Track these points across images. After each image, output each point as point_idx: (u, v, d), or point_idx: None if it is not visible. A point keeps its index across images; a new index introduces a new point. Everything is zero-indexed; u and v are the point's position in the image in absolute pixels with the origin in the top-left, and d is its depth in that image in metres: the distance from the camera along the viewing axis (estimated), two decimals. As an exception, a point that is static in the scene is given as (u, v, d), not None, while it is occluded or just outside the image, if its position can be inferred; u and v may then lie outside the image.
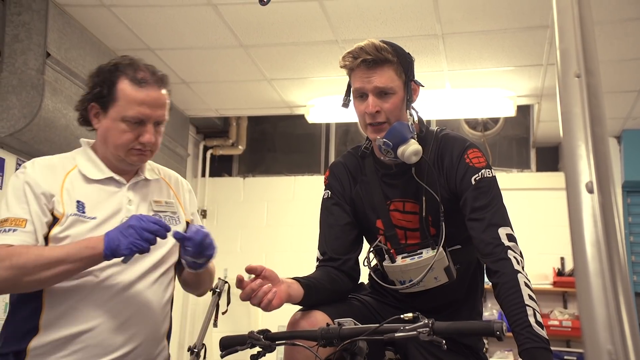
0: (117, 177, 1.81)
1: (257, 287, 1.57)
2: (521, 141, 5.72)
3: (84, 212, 1.71)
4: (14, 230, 1.64)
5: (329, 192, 1.96)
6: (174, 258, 1.85)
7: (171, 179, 1.99)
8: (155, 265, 1.78)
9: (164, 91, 1.80)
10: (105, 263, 1.65)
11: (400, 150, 1.77)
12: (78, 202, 1.72)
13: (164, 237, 1.62)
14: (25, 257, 1.59)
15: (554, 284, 5.03)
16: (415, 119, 1.86)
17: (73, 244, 1.64)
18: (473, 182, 1.76)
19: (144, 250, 1.59)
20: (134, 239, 1.57)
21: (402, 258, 1.84)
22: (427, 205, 1.81)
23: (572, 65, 0.77)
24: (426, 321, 1.39)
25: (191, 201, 2.00)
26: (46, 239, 1.67)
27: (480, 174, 1.77)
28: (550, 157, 5.64)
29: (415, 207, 1.84)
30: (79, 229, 1.69)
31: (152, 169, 1.94)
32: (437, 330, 1.37)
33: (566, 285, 4.98)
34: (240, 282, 1.57)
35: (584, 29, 0.79)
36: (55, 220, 1.69)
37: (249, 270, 1.58)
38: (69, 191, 1.73)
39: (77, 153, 1.85)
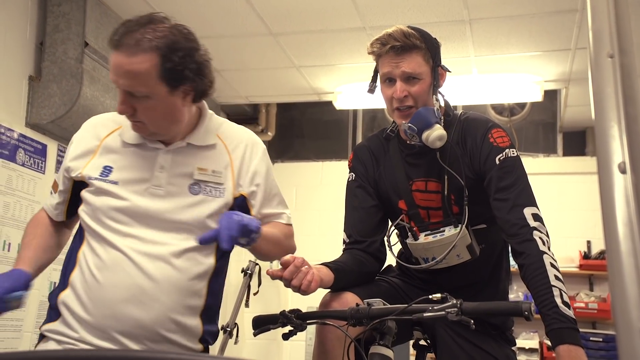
0: (150, 143, 1.68)
1: (300, 265, 1.59)
2: (548, 126, 5.70)
3: (106, 176, 1.66)
4: (51, 194, 1.79)
5: (353, 175, 1.97)
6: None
7: (237, 144, 1.76)
8: (186, 237, 1.63)
9: (136, 58, 1.53)
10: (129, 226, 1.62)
11: (424, 135, 1.79)
12: (105, 166, 1.68)
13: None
14: (25, 232, 1.78)
15: (580, 267, 5.03)
16: (442, 103, 1.87)
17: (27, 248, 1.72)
18: (497, 162, 1.76)
19: None
20: None
21: (425, 236, 1.85)
22: (449, 184, 1.81)
23: (605, 45, 0.76)
24: (454, 301, 1.39)
25: (257, 171, 1.75)
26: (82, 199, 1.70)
27: (504, 153, 1.77)
28: (577, 142, 5.61)
29: (438, 186, 1.84)
30: (103, 194, 1.66)
31: (210, 131, 1.75)
32: (465, 311, 1.38)
33: (592, 268, 4.98)
34: (286, 262, 1.59)
35: (618, 9, 0.78)
36: (83, 184, 1.69)
37: (283, 263, 1.60)
38: (101, 154, 1.70)
39: None
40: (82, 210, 1.70)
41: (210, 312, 1.71)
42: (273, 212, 1.79)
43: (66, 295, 1.63)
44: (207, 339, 1.72)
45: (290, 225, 1.83)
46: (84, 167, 1.69)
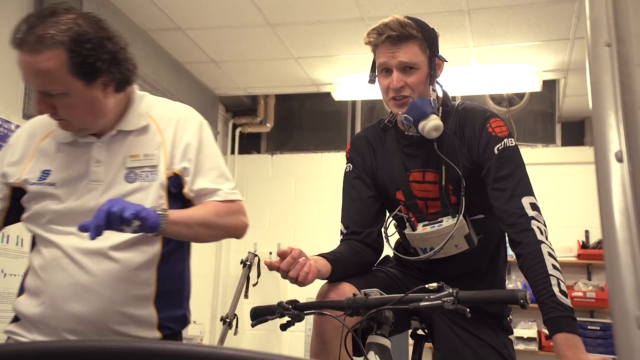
0: (81, 138, 1.63)
1: (297, 256, 1.59)
2: (546, 116, 5.70)
3: (44, 179, 1.62)
4: None
5: (351, 166, 1.96)
6: None
7: (169, 121, 1.68)
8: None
9: (41, 56, 1.45)
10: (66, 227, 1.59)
11: (420, 125, 1.78)
12: (44, 170, 1.63)
13: None
14: None
15: (579, 256, 5.05)
16: (440, 93, 1.86)
17: None
18: (496, 152, 1.76)
19: None
20: None
21: (423, 226, 1.85)
22: (447, 174, 1.81)
23: (602, 34, 0.75)
24: (450, 290, 1.38)
25: (188, 145, 1.66)
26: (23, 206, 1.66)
27: (502, 143, 1.76)
28: (576, 132, 5.61)
29: (436, 176, 1.84)
30: (43, 197, 1.63)
31: (142, 114, 1.67)
32: (461, 299, 1.37)
33: (590, 257, 5.01)
34: (283, 253, 1.58)
35: (616, -3, 0.77)
36: (22, 191, 1.65)
37: (280, 254, 1.59)
38: (38, 158, 1.65)
39: None
40: (25, 218, 1.66)
41: (166, 298, 1.65)
42: (207, 187, 1.66)
43: (19, 301, 1.63)
44: (169, 325, 1.66)
45: (231, 201, 1.69)
46: (21, 172, 1.65)
